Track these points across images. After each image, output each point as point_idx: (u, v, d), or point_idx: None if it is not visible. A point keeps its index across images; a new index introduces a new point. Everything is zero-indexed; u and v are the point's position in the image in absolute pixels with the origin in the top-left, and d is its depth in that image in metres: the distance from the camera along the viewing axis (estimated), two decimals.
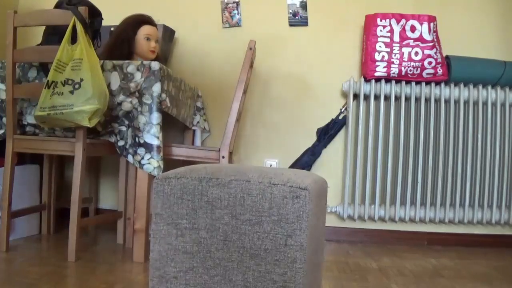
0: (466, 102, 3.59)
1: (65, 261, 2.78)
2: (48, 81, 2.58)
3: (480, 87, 3.55)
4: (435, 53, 3.46)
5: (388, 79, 3.57)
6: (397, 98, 3.62)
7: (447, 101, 3.60)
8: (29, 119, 2.95)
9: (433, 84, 3.55)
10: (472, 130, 3.59)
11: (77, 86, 2.54)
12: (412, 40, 3.47)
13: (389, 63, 3.49)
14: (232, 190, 1.32)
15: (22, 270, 2.59)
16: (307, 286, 1.37)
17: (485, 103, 3.57)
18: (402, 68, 3.48)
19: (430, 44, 3.46)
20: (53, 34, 2.89)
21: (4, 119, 2.97)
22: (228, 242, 1.32)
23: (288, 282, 1.29)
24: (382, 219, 3.74)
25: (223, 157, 2.96)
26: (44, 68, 2.91)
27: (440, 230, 3.80)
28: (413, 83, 3.55)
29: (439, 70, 3.49)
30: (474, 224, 3.74)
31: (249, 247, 1.31)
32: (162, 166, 2.74)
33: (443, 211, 3.64)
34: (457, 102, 3.59)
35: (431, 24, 3.48)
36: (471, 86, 3.55)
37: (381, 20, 3.51)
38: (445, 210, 3.63)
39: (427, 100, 3.60)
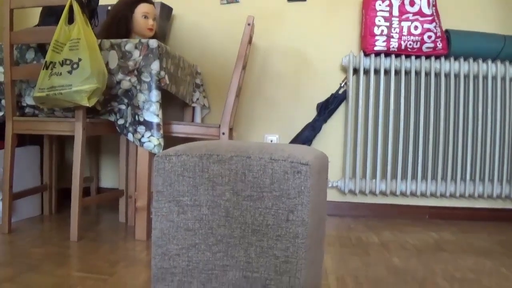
0: (466, 76, 3.57)
1: (68, 241, 2.80)
2: (46, 62, 2.56)
3: (480, 61, 3.53)
4: (435, 27, 3.44)
5: (387, 53, 3.56)
6: (397, 72, 3.60)
7: (447, 75, 3.58)
8: (28, 100, 2.94)
9: (433, 58, 3.54)
10: (473, 104, 3.59)
11: (75, 66, 2.52)
12: (412, 14, 3.45)
13: (389, 37, 3.47)
14: (233, 166, 1.31)
15: (25, 251, 2.60)
16: (309, 261, 1.38)
17: (485, 77, 3.56)
18: (402, 42, 3.46)
19: (430, 18, 3.44)
20: (50, 15, 2.87)
21: (3, 102, 2.98)
22: (230, 219, 1.32)
23: (290, 257, 1.30)
24: (383, 193, 3.75)
25: (223, 133, 2.96)
26: (41, 49, 2.89)
27: (441, 204, 3.81)
28: (413, 57, 3.54)
29: (439, 44, 3.47)
30: (475, 198, 3.76)
31: (250, 223, 1.31)
32: (162, 143, 2.73)
33: (444, 185, 3.65)
34: (457, 76, 3.58)
35: None
36: (471, 60, 3.53)
37: None
38: (446, 184, 3.64)
39: (427, 74, 3.58)
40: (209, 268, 1.35)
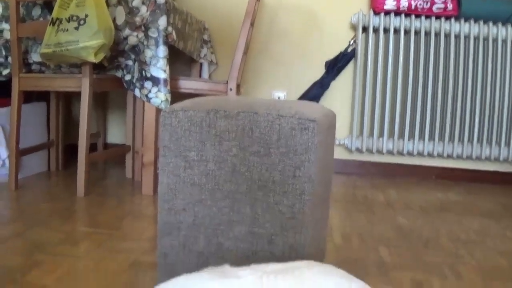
0: (476, 38, 3.57)
1: (75, 197, 2.82)
2: (52, 18, 2.55)
3: (491, 23, 3.51)
4: None
5: (397, 13, 3.54)
6: (407, 32, 3.59)
7: (457, 37, 3.57)
8: (35, 57, 2.93)
9: (443, 19, 3.52)
10: (482, 66, 3.59)
11: (82, 22, 2.51)
12: None
13: None
14: (240, 122, 1.31)
15: (32, 207, 2.62)
16: (315, 218, 1.38)
17: (495, 40, 3.56)
18: (412, 2, 3.44)
19: None
20: None
21: (9, 59, 2.97)
22: (237, 174, 1.32)
23: (296, 214, 1.30)
24: (390, 152, 3.79)
25: (230, 89, 2.95)
26: (48, 6, 2.87)
27: (448, 165, 3.85)
28: (423, 18, 3.52)
29: (449, 5, 3.44)
30: (482, 160, 3.78)
31: (257, 179, 1.31)
32: (169, 99, 2.73)
33: (451, 146, 3.68)
34: (467, 38, 3.56)
35: None
36: (481, 23, 3.52)
37: None
38: (454, 145, 3.68)
39: (437, 35, 3.57)
40: (215, 223, 1.36)
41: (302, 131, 1.28)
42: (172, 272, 1.41)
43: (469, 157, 3.70)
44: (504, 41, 3.53)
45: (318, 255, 1.55)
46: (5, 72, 2.98)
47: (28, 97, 3.22)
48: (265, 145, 1.30)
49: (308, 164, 1.28)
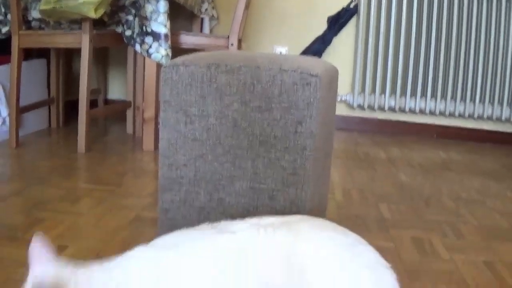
0: None
1: (75, 153, 2.85)
2: None
3: None
4: None
5: None
6: None
7: None
8: (34, 14, 2.90)
9: None
10: (486, 24, 3.55)
11: None
12: None
13: None
14: (241, 76, 1.29)
15: (33, 164, 2.64)
16: (316, 174, 1.38)
17: None
18: None
19: None
20: None
21: (9, 16, 2.92)
22: (238, 129, 1.31)
23: (297, 169, 1.29)
24: (392, 109, 3.79)
25: (231, 44, 2.93)
26: None
27: (449, 124, 3.84)
28: None
29: None
30: (484, 119, 3.76)
31: (258, 134, 1.30)
32: (170, 54, 2.72)
33: (453, 104, 3.68)
34: None
35: None
36: None
37: None
38: (456, 104, 3.67)
39: None
40: (216, 179, 1.36)
41: (304, 86, 1.26)
42: (173, 228, 1.41)
43: (471, 116, 3.68)
44: (508, 0, 3.48)
45: (320, 211, 1.55)
46: (5, 29, 2.95)
47: (28, 54, 3.19)
48: (267, 100, 1.28)
49: (310, 119, 1.27)
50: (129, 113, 3.41)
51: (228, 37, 2.95)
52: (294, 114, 1.28)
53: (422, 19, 3.57)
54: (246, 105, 1.30)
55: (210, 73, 1.31)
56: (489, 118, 3.70)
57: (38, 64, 3.32)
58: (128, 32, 2.91)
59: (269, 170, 1.31)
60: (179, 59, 1.38)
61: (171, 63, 1.36)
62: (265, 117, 1.29)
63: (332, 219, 1.10)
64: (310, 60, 1.45)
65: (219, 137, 1.33)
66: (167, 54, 2.71)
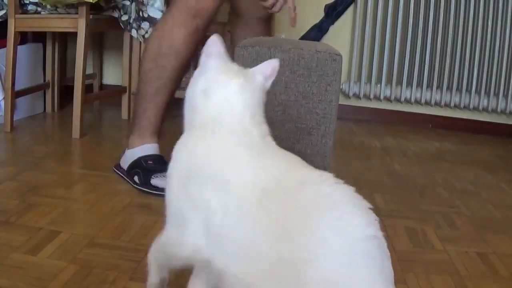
0: None
1: (70, 138, 2.85)
2: None
3: None
4: None
5: None
6: None
7: None
8: None
9: None
10: (483, 15, 3.54)
11: None
12: None
13: None
14: (291, 55, 1.94)
15: (27, 149, 2.67)
16: (334, 120, 2.06)
17: None
18: None
19: None
20: None
21: (5, 0, 2.89)
22: (287, 89, 1.96)
23: (326, 114, 1.97)
24: (387, 99, 3.84)
25: (228, 31, 2.79)
26: None
27: (445, 114, 3.86)
28: None
29: None
30: (480, 111, 3.75)
31: (302, 91, 1.96)
32: None
33: (449, 94, 3.70)
34: None
35: None
36: None
37: None
38: (451, 94, 3.69)
39: None
40: (271, 122, 1.69)
41: (332, 61, 1.97)
42: None
43: (466, 107, 3.69)
44: None
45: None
46: (1, 13, 2.91)
47: (24, 38, 3.18)
48: (308, 70, 1.97)
49: (335, 82, 1.99)
50: (124, 99, 3.38)
51: (225, 24, 2.92)
52: (325, 79, 1.97)
53: (419, 10, 3.59)
54: (294, 73, 1.96)
55: (270, 52, 1.97)
56: (485, 109, 3.68)
57: (33, 49, 3.31)
58: (124, 17, 2.92)
59: (308, 115, 1.98)
60: (246, 42, 2.01)
61: (242, 44, 2.00)
62: (306, 80, 1.96)
63: None
64: (330, 46, 2.12)
65: (274, 94, 1.97)
66: None
